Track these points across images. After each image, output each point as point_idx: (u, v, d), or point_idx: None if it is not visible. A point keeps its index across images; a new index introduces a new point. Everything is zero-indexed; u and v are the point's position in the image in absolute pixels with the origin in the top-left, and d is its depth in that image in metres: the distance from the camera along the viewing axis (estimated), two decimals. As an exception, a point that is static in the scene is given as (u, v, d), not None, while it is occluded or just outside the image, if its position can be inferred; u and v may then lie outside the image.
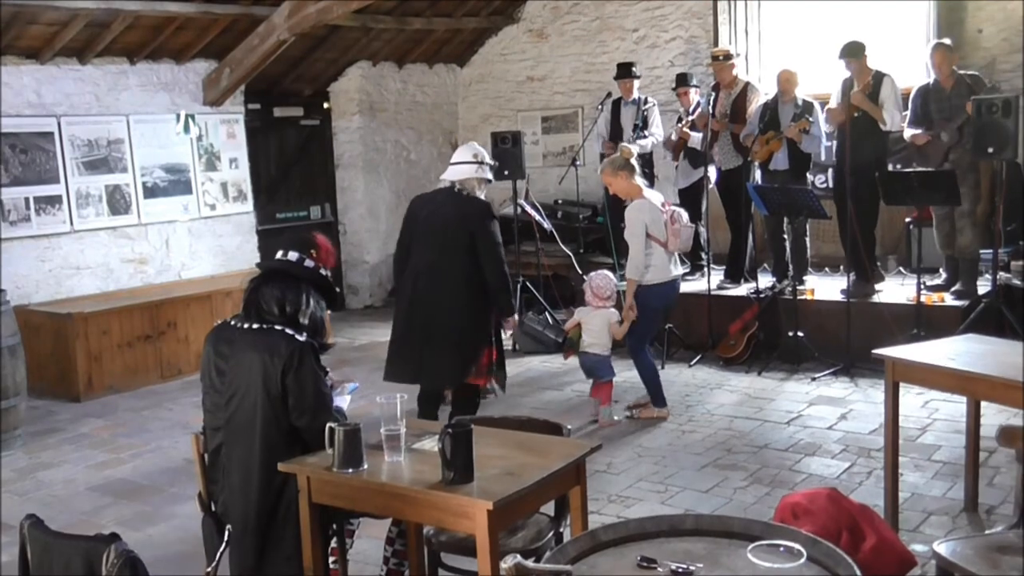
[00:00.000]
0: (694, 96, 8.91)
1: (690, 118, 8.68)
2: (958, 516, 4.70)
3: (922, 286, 7.22)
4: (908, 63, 8.54)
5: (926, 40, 8.38)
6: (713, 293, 8.17)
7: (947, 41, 7.59)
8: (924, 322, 6.95)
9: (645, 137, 8.90)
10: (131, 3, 8.05)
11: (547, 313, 8.97)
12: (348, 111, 11.12)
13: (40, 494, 5.80)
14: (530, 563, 2.24)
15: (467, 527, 3.01)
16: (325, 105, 11.21)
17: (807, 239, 8.29)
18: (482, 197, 5.68)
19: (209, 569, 3.44)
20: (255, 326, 3.51)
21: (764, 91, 8.60)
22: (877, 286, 7.82)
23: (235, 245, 9.96)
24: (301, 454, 3.41)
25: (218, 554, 3.46)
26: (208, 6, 8.61)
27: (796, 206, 7.47)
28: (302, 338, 3.46)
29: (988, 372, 4.03)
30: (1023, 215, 7.84)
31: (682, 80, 9.01)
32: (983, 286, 7.42)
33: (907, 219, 8.45)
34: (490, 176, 5.78)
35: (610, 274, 6.74)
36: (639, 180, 6.45)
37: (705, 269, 8.48)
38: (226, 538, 3.48)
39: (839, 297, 7.63)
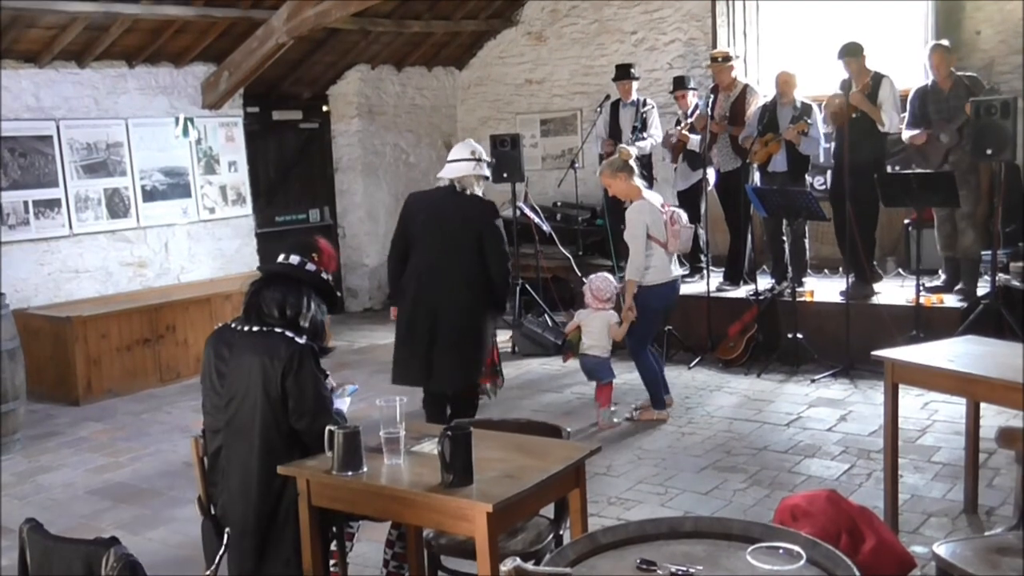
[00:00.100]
0: (692, 99, 8.91)
1: (689, 120, 8.69)
2: (958, 518, 4.70)
3: (921, 287, 7.22)
4: (906, 65, 8.54)
5: (924, 41, 8.39)
6: (712, 295, 8.17)
7: (945, 42, 7.60)
8: (923, 324, 6.95)
9: (644, 139, 8.91)
10: (130, 6, 8.05)
11: (546, 315, 8.97)
12: (347, 114, 11.12)
13: (39, 498, 5.80)
14: (530, 566, 2.24)
15: (467, 530, 3.01)
16: (324, 108, 11.22)
17: (806, 241, 8.30)
18: (481, 194, 5.64)
19: (208, 572, 3.44)
20: (255, 329, 3.51)
21: (763, 93, 8.60)
22: (875, 286, 7.82)
23: (234, 248, 9.96)
24: (300, 457, 3.41)
25: (217, 557, 3.46)
26: (207, 9, 8.62)
27: (795, 208, 7.47)
28: (302, 341, 3.47)
29: (987, 374, 4.03)
30: (1022, 216, 7.85)
31: (680, 83, 9.02)
32: (982, 288, 7.43)
33: (906, 221, 8.45)
34: (488, 173, 5.71)
35: (609, 276, 6.74)
36: (638, 181, 6.46)
37: (704, 271, 8.48)
38: (225, 541, 3.48)
39: (838, 299, 7.63)
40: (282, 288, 3.56)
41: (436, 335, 5.47)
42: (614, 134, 9.11)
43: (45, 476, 6.19)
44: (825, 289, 8.08)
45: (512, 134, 9.44)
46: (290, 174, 10.98)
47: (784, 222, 8.00)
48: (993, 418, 5.27)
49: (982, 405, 4.68)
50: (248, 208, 10.14)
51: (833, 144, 7.96)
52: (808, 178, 8.26)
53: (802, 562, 2.32)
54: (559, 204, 10.44)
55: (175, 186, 9.42)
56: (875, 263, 8.11)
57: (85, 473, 6.20)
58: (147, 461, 6.38)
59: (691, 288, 8.25)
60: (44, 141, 8.40)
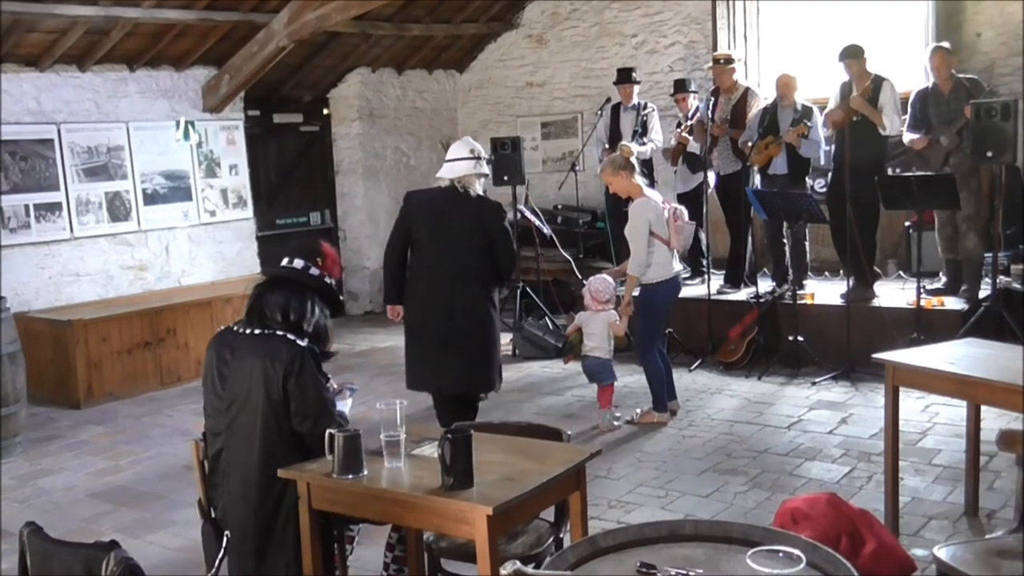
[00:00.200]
0: (692, 102, 8.92)
1: (688, 123, 8.69)
2: (958, 520, 4.69)
3: (922, 290, 7.22)
4: (907, 67, 8.54)
5: (925, 44, 8.39)
6: (713, 298, 8.17)
7: (946, 44, 7.60)
8: (924, 326, 6.95)
9: (644, 144, 8.91)
10: (130, 10, 8.06)
11: (547, 318, 8.97)
12: (348, 117, 11.13)
13: (40, 501, 5.80)
14: (530, 569, 2.24)
15: (467, 533, 3.01)
16: (325, 111, 11.23)
17: (807, 243, 8.30)
18: (481, 193, 5.61)
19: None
20: (257, 331, 3.51)
21: (763, 96, 8.60)
22: (875, 289, 7.81)
23: (235, 251, 9.97)
24: (301, 460, 3.40)
25: (217, 560, 3.46)
26: (207, 13, 8.63)
27: (795, 210, 7.47)
28: (303, 343, 3.47)
29: (988, 376, 4.03)
30: (1023, 219, 7.85)
31: (680, 86, 9.03)
32: (983, 290, 7.42)
33: (907, 223, 8.45)
34: (487, 171, 5.66)
35: (608, 277, 6.74)
36: (639, 179, 6.46)
37: (705, 274, 8.49)
38: (224, 544, 3.48)
39: (839, 301, 7.63)
40: (285, 292, 3.56)
41: (452, 337, 5.41)
42: (614, 137, 9.11)
43: (46, 479, 6.19)
44: (826, 292, 8.08)
45: (513, 137, 9.44)
46: (291, 177, 10.98)
47: (785, 225, 8.00)
48: (994, 421, 5.26)
49: (983, 408, 4.68)
50: (249, 211, 10.14)
51: (833, 147, 7.97)
52: (808, 180, 8.26)
53: (802, 565, 2.32)
54: (560, 207, 10.45)
55: (176, 189, 9.43)
56: (875, 266, 8.11)
57: (85, 476, 6.20)
58: (148, 464, 6.38)
59: (692, 291, 8.25)
60: (45, 145, 8.41)
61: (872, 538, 3.76)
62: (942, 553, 3.17)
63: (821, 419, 6.43)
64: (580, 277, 9.03)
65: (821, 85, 8.45)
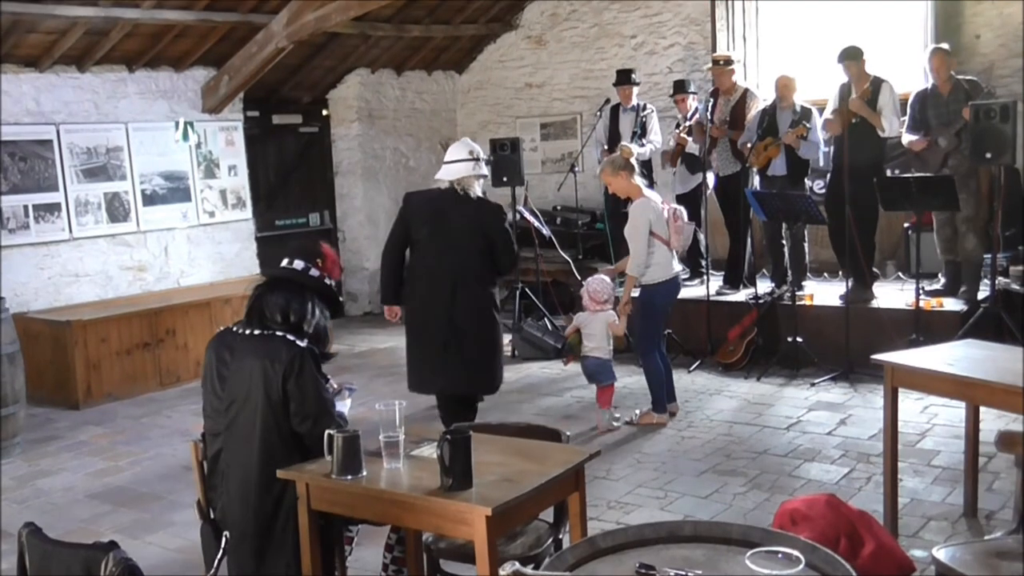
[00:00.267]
0: (692, 103, 8.93)
1: (687, 124, 8.69)
2: (957, 521, 4.69)
3: (921, 291, 7.22)
4: (906, 68, 8.55)
5: (924, 45, 8.39)
6: (712, 299, 8.17)
7: (945, 46, 7.60)
8: (923, 327, 6.95)
9: (643, 145, 8.91)
10: (130, 11, 8.07)
11: (546, 319, 8.97)
12: (347, 118, 11.13)
13: (39, 502, 5.79)
14: (529, 570, 2.24)
15: (466, 533, 3.01)
16: (324, 112, 11.23)
17: (806, 244, 8.30)
18: (481, 194, 5.61)
19: (208, 576, 3.44)
20: (256, 332, 3.51)
21: (762, 97, 8.60)
22: (874, 290, 7.81)
23: (234, 252, 9.97)
24: (300, 460, 3.40)
25: (216, 561, 3.46)
26: (206, 14, 8.63)
27: (794, 212, 7.48)
28: (303, 344, 3.47)
29: (987, 377, 4.03)
30: (1022, 220, 7.85)
31: (679, 87, 9.03)
32: (982, 291, 7.43)
33: (906, 224, 8.46)
34: (486, 172, 5.66)
35: (606, 277, 6.74)
36: (638, 180, 6.47)
37: (704, 275, 8.49)
38: (223, 544, 3.47)
39: (838, 302, 7.63)
40: (286, 293, 3.56)
41: (455, 338, 5.41)
42: (614, 139, 9.11)
43: (45, 480, 6.19)
44: (825, 293, 8.08)
45: (512, 138, 9.44)
46: (290, 178, 10.99)
47: (784, 226, 8.01)
48: (993, 422, 5.26)
49: (982, 409, 4.68)
50: (248, 212, 10.14)
51: (832, 148, 7.97)
52: (807, 182, 8.27)
53: (801, 566, 2.32)
54: (559, 208, 10.45)
55: (175, 190, 9.43)
56: (874, 267, 8.11)
57: (84, 477, 6.20)
58: (147, 465, 6.38)
59: (691, 292, 8.25)
60: (44, 145, 8.41)
61: (871, 539, 3.77)
62: (941, 554, 3.17)
63: (820, 420, 6.43)
64: (579, 278, 9.03)
65: (820, 86, 8.46)
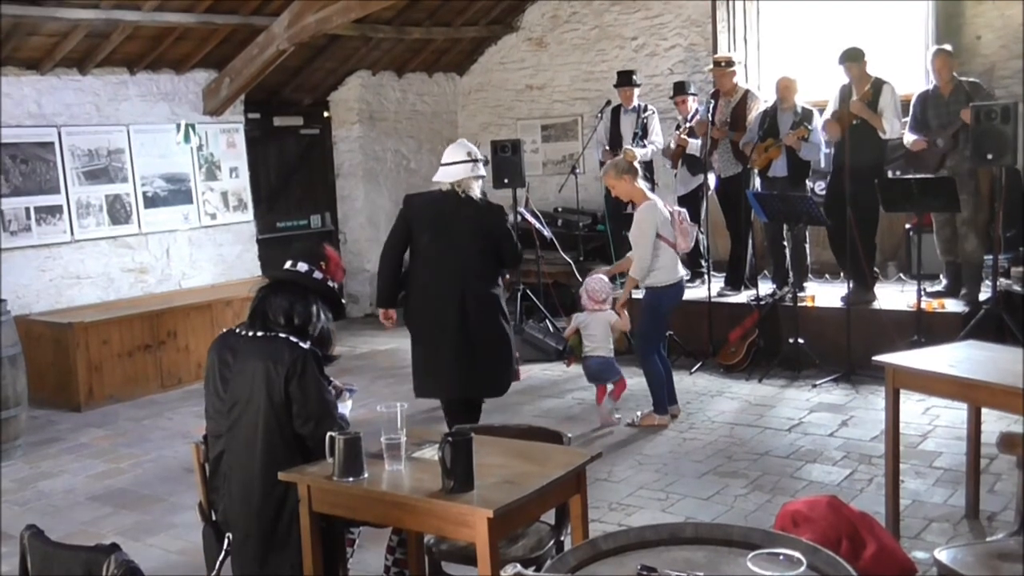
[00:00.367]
0: (692, 104, 8.93)
1: (688, 124, 8.69)
2: (959, 523, 4.69)
3: (922, 292, 7.22)
4: (907, 69, 8.55)
5: (925, 47, 8.40)
6: (713, 300, 8.17)
7: (948, 47, 7.60)
8: (924, 329, 6.95)
9: (645, 146, 8.92)
10: (131, 13, 8.07)
11: (547, 321, 8.97)
12: (348, 120, 11.14)
13: (40, 504, 5.80)
14: (530, 572, 2.24)
15: (467, 535, 3.01)
16: (325, 114, 11.24)
17: (807, 246, 8.30)
18: (480, 194, 5.60)
19: (209, 578, 3.45)
20: (259, 334, 3.52)
21: (763, 99, 8.61)
22: (875, 291, 7.81)
23: (235, 254, 9.97)
24: (302, 462, 3.40)
25: (217, 563, 3.46)
26: (208, 16, 8.63)
27: (795, 213, 7.48)
28: (305, 345, 3.47)
29: (989, 379, 4.03)
30: (1023, 221, 7.85)
31: (680, 88, 9.03)
32: (983, 293, 7.42)
33: (907, 225, 8.45)
34: (484, 172, 5.61)
35: (604, 277, 6.73)
36: (642, 183, 6.47)
37: (705, 276, 8.49)
38: (225, 546, 3.48)
39: (839, 304, 7.63)
40: (289, 295, 3.57)
41: (465, 341, 5.35)
42: (615, 140, 9.12)
43: (46, 482, 6.19)
44: (826, 294, 8.07)
45: (513, 140, 9.44)
46: (291, 180, 10.99)
47: (785, 227, 8.01)
48: (994, 423, 5.27)
49: (983, 410, 4.67)
50: (249, 214, 10.15)
51: (833, 149, 7.97)
52: (808, 183, 8.27)
53: (803, 568, 2.32)
54: (560, 209, 10.45)
55: (176, 192, 9.43)
56: (875, 268, 8.11)
57: (86, 479, 6.20)
58: (148, 467, 6.38)
59: (692, 293, 8.23)
60: (46, 148, 8.42)
61: (873, 541, 3.76)
62: (943, 556, 3.17)
63: (822, 421, 6.43)
64: (580, 279, 9.03)
65: (821, 88, 8.46)
